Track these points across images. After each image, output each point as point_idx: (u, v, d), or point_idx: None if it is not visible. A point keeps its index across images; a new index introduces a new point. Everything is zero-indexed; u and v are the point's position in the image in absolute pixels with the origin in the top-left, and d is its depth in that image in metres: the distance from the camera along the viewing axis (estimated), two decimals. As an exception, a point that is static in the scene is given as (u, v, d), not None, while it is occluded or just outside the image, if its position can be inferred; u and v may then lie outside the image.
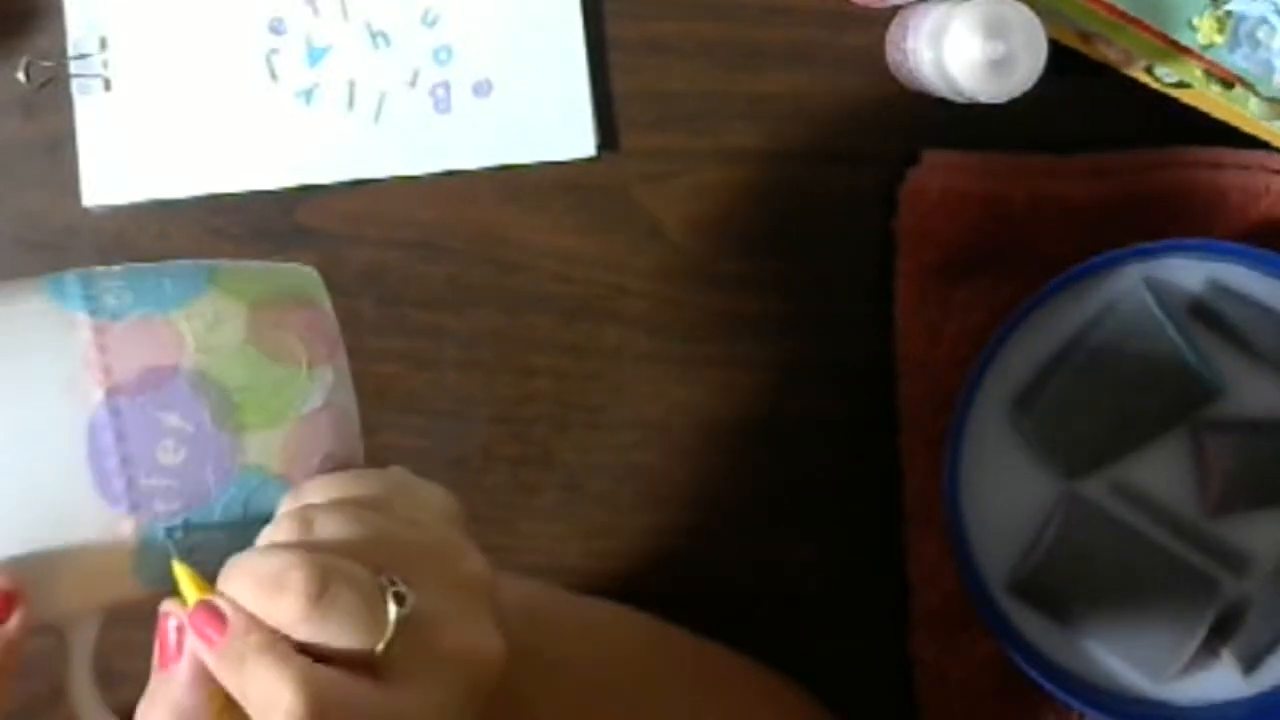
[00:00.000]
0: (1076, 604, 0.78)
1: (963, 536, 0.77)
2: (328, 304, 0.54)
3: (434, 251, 0.80)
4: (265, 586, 0.47)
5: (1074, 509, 0.77)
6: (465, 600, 0.50)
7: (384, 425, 0.79)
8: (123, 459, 0.49)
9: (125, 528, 0.49)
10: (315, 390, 0.52)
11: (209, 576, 0.49)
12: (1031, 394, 0.77)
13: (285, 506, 0.51)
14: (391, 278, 0.80)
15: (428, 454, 0.80)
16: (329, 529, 0.49)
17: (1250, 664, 0.78)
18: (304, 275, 0.55)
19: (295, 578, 0.46)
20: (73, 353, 0.50)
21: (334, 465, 0.52)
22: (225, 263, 0.54)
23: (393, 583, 0.47)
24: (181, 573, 0.49)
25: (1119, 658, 0.78)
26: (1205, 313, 0.78)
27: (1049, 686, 0.76)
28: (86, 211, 0.79)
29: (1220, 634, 0.78)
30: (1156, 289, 0.77)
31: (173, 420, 0.50)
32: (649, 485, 0.81)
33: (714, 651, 0.75)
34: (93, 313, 0.51)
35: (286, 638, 0.47)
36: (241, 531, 0.50)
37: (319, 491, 0.51)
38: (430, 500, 0.52)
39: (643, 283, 0.80)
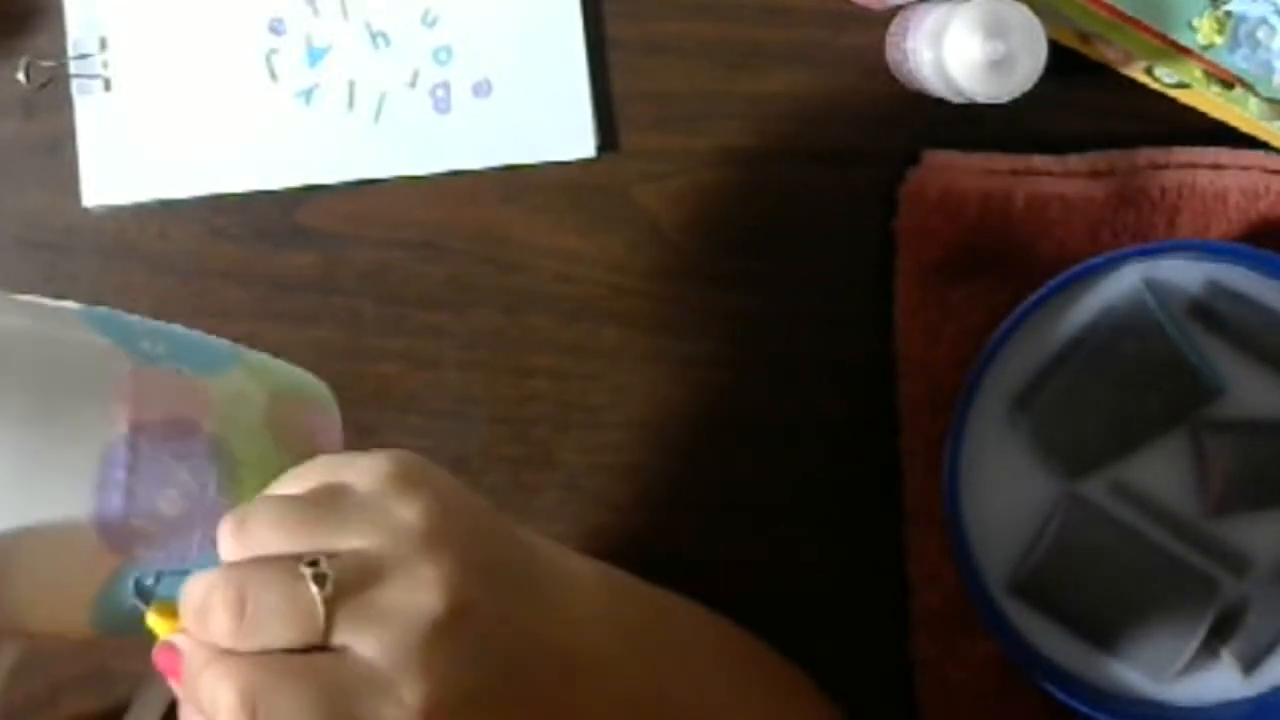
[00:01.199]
0: (1076, 604, 0.78)
1: (963, 536, 0.77)
2: (338, 414, 0.56)
3: (434, 251, 0.80)
4: (197, 614, 0.49)
5: (1074, 509, 0.77)
6: (409, 547, 0.50)
7: (384, 425, 0.80)
8: (128, 493, 0.50)
9: (105, 560, 0.50)
10: None
11: None
12: (1031, 394, 0.77)
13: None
14: (392, 278, 0.80)
15: (428, 454, 0.79)
16: (257, 526, 0.50)
17: (1250, 664, 0.78)
18: (319, 385, 0.57)
19: (216, 599, 0.49)
20: (110, 383, 0.50)
21: None
22: (247, 349, 0.55)
23: (313, 564, 0.49)
24: (152, 617, 0.50)
25: (1119, 658, 0.78)
26: (1205, 313, 0.78)
27: (1049, 687, 0.76)
28: (86, 211, 0.79)
29: (1220, 634, 0.78)
30: (1156, 289, 0.77)
31: (183, 474, 0.51)
32: (649, 485, 0.81)
33: (751, 641, 0.75)
34: (131, 350, 0.51)
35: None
36: None
37: (283, 483, 0.53)
38: (376, 465, 0.53)
39: (643, 283, 0.80)
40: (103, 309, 0.53)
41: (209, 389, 0.52)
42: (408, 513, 0.51)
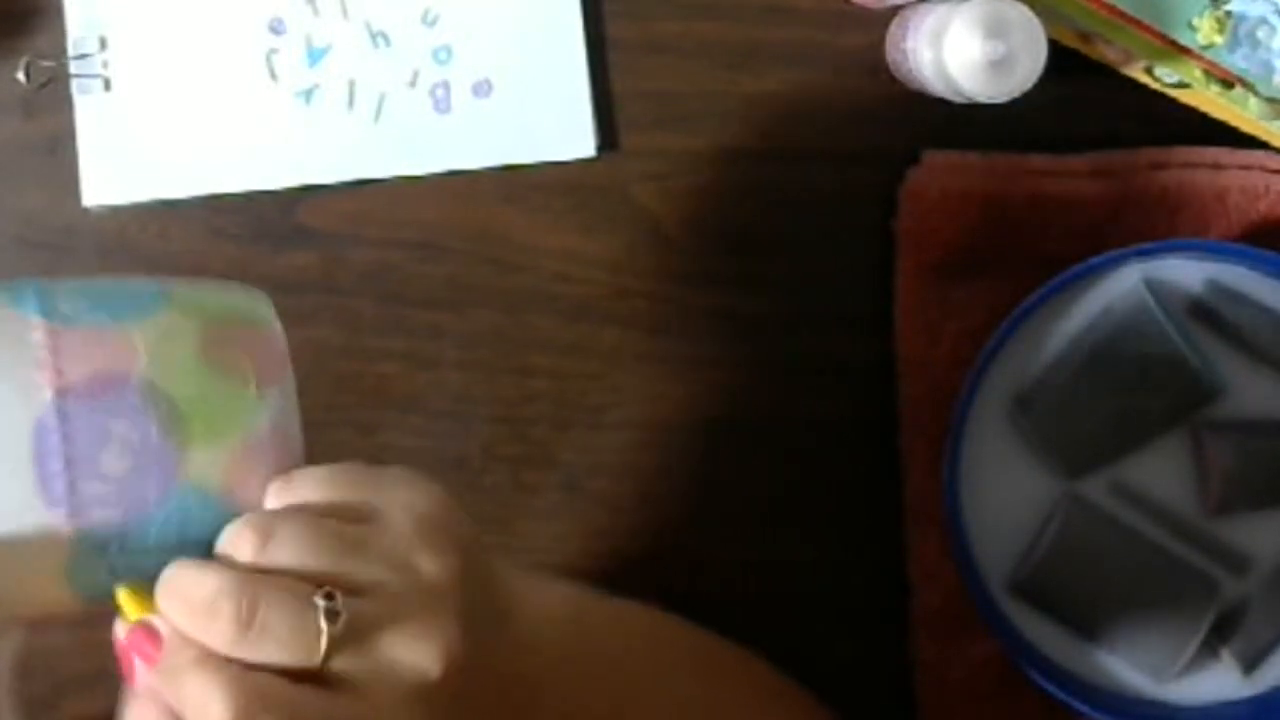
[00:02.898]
0: (1076, 604, 0.78)
1: (963, 536, 0.77)
2: (278, 326, 0.55)
3: (434, 251, 0.80)
4: (197, 613, 0.49)
5: (1074, 509, 0.77)
6: (421, 604, 0.51)
7: (384, 425, 0.80)
8: (67, 460, 0.49)
9: (62, 531, 0.49)
10: (263, 411, 0.52)
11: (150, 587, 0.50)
12: (1031, 394, 0.77)
13: (274, 500, 0.52)
14: (391, 278, 0.80)
15: (428, 454, 0.80)
16: (284, 540, 0.50)
17: (1250, 664, 0.78)
18: (256, 297, 0.56)
19: (225, 606, 0.48)
20: (25, 354, 0.50)
21: None
22: (180, 281, 0.55)
23: (329, 597, 0.49)
24: (123, 593, 0.50)
25: (1119, 658, 0.78)
26: (1205, 313, 0.78)
27: (1049, 686, 0.76)
28: (86, 211, 0.79)
29: (1220, 634, 0.78)
30: (1156, 289, 0.77)
31: (120, 427, 0.50)
32: (649, 485, 0.81)
33: (731, 650, 0.75)
34: (47, 316, 0.51)
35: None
36: (176, 554, 0.51)
37: (311, 486, 0.52)
38: (413, 502, 0.52)
39: (643, 283, 0.80)
40: (15, 280, 0.53)
41: (135, 335, 0.51)
42: (431, 566, 0.51)
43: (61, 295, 0.52)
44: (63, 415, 0.49)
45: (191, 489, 0.51)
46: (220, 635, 0.48)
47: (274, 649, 0.48)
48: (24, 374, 0.50)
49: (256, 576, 0.49)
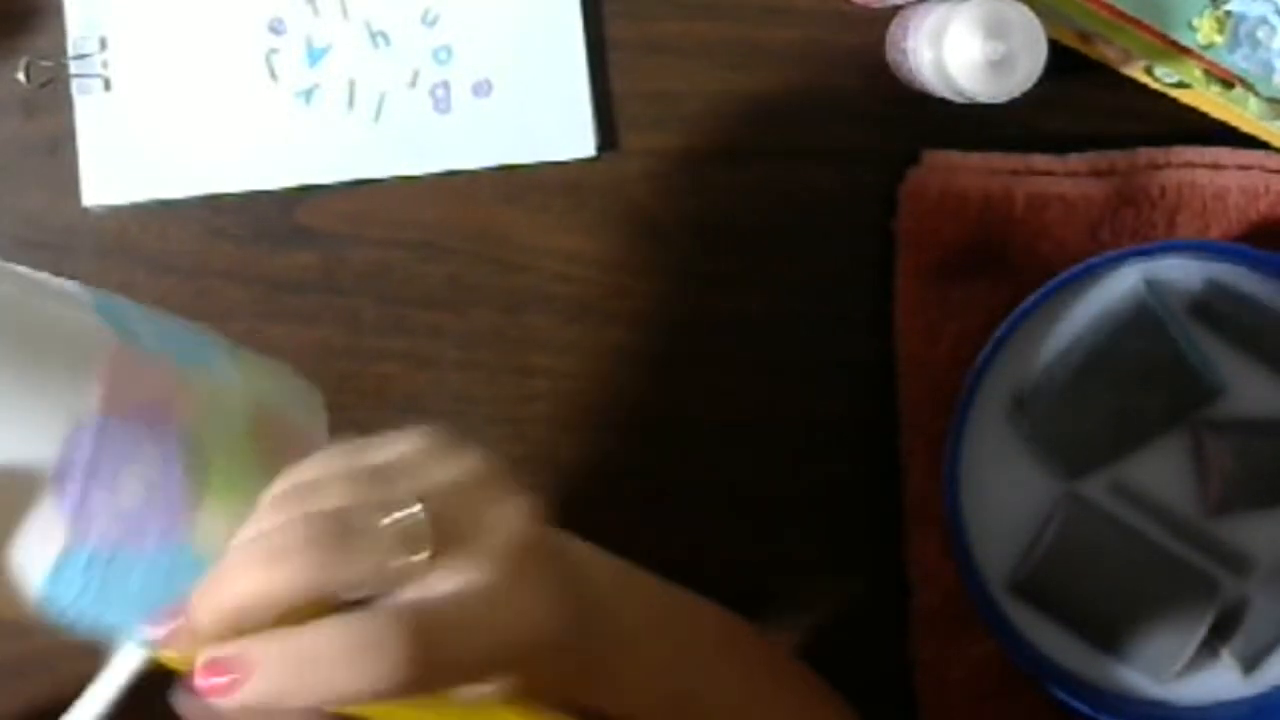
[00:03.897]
0: (1076, 604, 0.78)
1: (963, 536, 0.77)
2: (325, 433, 0.54)
3: (434, 251, 0.80)
4: (331, 553, 0.47)
5: (1074, 509, 0.77)
6: (479, 480, 0.50)
7: (384, 425, 0.79)
8: (89, 468, 0.49)
9: (58, 530, 0.49)
10: None
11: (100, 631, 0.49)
12: (1031, 394, 0.78)
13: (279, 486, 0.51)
14: (391, 278, 0.80)
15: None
16: (330, 484, 0.49)
17: (1250, 664, 0.78)
18: (315, 397, 0.55)
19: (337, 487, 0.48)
20: (91, 358, 0.50)
21: None
22: (249, 352, 0.54)
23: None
24: (167, 655, 0.49)
25: (1119, 657, 0.78)
26: (1205, 313, 0.78)
27: (1049, 686, 0.76)
28: (86, 211, 0.79)
29: (1220, 634, 0.78)
30: (1156, 289, 0.77)
31: (149, 458, 0.50)
32: (649, 485, 0.81)
33: (769, 642, 0.76)
34: (120, 332, 0.51)
35: None
36: (142, 602, 0.50)
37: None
38: (404, 435, 0.52)
39: (643, 283, 0.80)
40: (103, 291, 0.53)
41: (195, 383, 0.51)
42: (466, 461, 0.51)
43: (139, 318, 0.52)
44: (102, 428, 0.49)
45: (190, 548, 0.50)
46: (345, 566, 0.46)
47: (383, 553, 0.47)
48: (82, 377, 0.49)
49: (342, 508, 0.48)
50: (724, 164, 0.80)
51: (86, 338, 0.50)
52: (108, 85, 0.79)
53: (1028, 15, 0.72)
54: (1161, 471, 0.78)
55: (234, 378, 0.53)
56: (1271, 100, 0.78)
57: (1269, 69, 0.77)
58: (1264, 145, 0.80)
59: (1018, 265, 0.79)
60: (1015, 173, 0.79)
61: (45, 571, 0.49)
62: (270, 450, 0.52)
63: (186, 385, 0.51)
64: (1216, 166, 0.79)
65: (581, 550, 0.58)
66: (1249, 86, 0.78)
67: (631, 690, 0.58)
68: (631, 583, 0.63)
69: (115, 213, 0.80)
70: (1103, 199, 0.79)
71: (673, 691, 0.61)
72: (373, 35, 0.79)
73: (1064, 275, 0.76)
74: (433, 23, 0.80)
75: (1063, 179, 0.79)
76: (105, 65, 0.79)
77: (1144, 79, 0.79)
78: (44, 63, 0.79)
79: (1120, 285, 0.78)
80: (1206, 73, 0.78)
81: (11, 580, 0.50)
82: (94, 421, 0.49)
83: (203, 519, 0.50)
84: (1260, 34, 0.77)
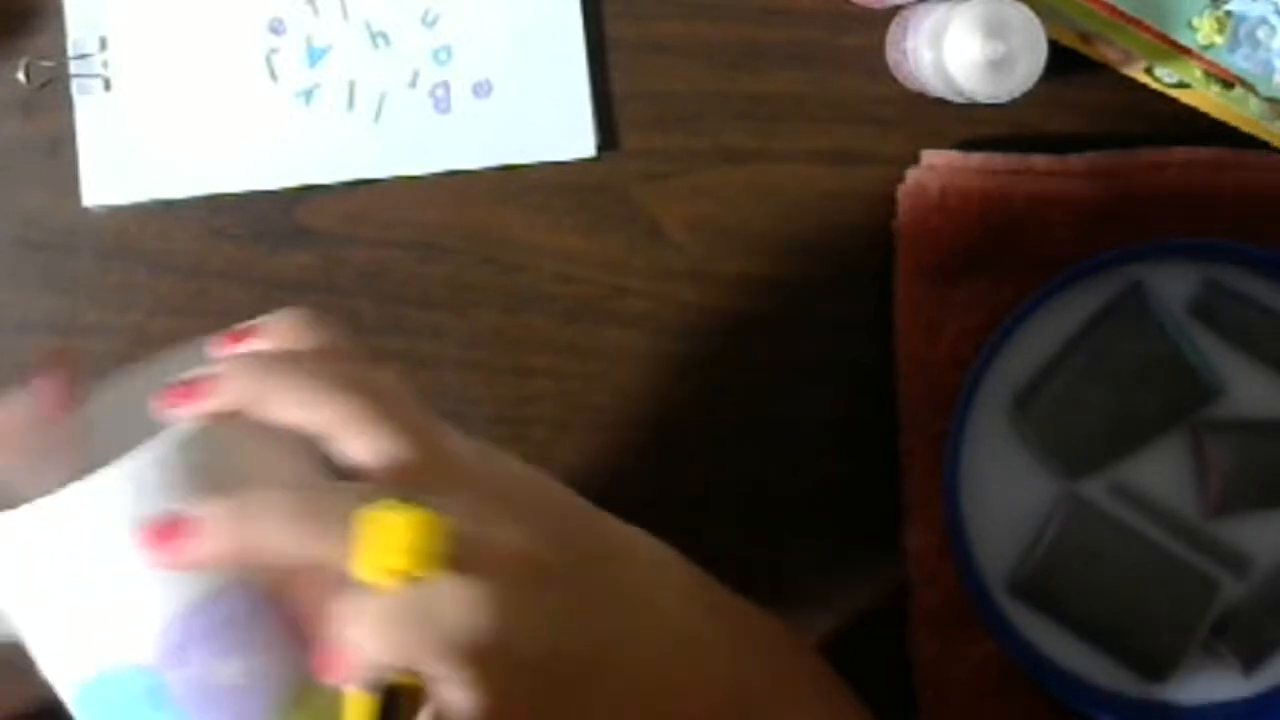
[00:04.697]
0: (1076, 604, 0.78)
1: (963, 537, 0.77)
2: None
3: (434, 251, 0.80)
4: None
5: (1074, 509, 0.77)
6: (501, 493, 0.55)
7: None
8: (195, 635, 0.50)
9: (136, 659, 0.49)
10: None
11: None
12: (1031, 394, 0.78)
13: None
14: (391, 278, 0.80)
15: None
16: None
17: (1250, 664, 0.78)
18: None
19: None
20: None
21: None
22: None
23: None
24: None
25: (1119, 658, 0.78)
26: (1205, 313, 0.78)
27: (1049, 686, 0.76)
28: (86, 211, 0.79)
29: (1220, 634, 0.78)
30: (1156, 289, 0.77)
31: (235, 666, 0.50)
32: (649, 485, 0.80)
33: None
34: None
35: None
36: None
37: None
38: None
39: (643, 283, 0.80)
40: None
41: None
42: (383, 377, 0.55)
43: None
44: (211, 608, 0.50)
45: None
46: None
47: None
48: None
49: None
50: (724, 164, 0.80)
51: None
52: (108, 85, 0.79)
53: (1028, 15, 0.72)
54: (1161, 472, 0.78)
55: None
56: (1271, 100, 0.78)
57: (1269, 69, 0.77)
58: (1264, 145, 0.80)
59: (1018, 265, 0.79)
60: (1015, 173, 0.79)
61: (91, 682, 0.50)
62: None
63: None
64: (1216, 166, 0.79)
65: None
66: (1249, 86, 0.78)
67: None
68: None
69: (115, 213, 0.80)
70: (1103, 199, 0.79)
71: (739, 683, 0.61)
72: (373, 35, 0.79)
73: (1064, 275, 0.76)
74: (433, 23, 0.80)
75: (1063, 179, 0.79)
76: (105, 65, 0.79)
77: (1144, 79, 0.79)
78: (44, 63, 0.79)
79: (1120, 285, 0.78)
80: (1206, 73, 0.78)
81: (60, 664, 0.50)
82: (216, 604, 0.50)
83: None
84: (1260, 34, 0.77)
